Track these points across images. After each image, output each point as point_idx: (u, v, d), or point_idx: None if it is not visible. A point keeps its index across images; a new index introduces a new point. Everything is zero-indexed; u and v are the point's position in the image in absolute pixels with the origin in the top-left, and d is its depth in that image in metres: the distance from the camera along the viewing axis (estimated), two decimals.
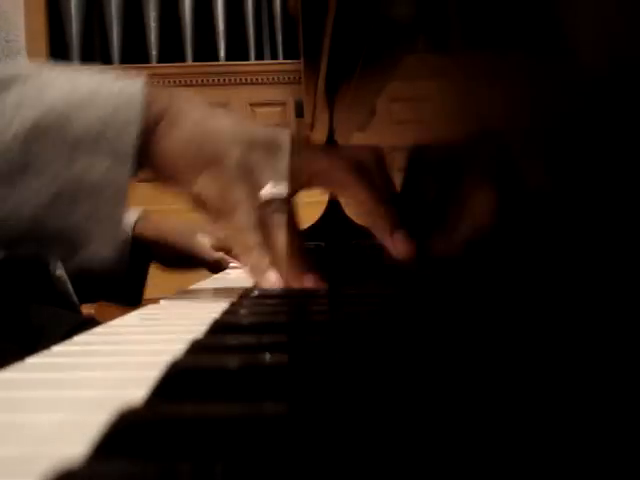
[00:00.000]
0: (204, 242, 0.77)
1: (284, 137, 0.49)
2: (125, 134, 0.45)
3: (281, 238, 0.48)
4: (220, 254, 0.77)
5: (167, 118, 0.48)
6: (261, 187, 0.48)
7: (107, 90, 0.45)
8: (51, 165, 0.44)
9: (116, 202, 0.45)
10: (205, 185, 0.47)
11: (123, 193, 0.45)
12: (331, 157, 0.50)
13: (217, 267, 0.80)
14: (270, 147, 0.49)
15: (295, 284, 0.48)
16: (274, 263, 0.48)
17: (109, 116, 0.45)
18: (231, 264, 0.89)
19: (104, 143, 0.44)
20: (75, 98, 0.44)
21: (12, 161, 0.43)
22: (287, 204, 0.49)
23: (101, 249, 0.45)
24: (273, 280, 0.48)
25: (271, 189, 0.48)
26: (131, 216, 0.78)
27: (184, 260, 0.79)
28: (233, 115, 0.51)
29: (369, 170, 0.49)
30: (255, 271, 0.48)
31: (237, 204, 0.47)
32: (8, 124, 0.43)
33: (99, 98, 0.45)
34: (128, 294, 0.77)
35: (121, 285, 0.77)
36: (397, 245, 0.46)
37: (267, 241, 0.48)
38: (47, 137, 0.44)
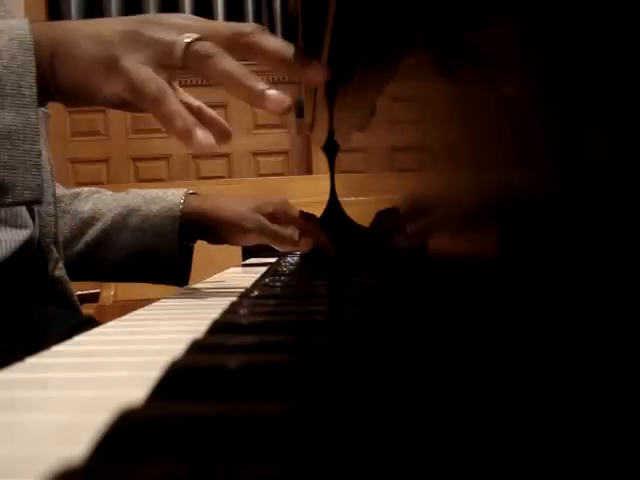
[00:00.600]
0: (254, 216, 0.76)
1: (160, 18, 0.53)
2: (23, 83, 0.48)
3: (228, 61, 0.50)
4: (264, 221, 0.75)
5: (59, 49, 0.50)
6: (168, 49, 0.50)
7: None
8: None
9: (30, 145, 0.48)
10: (113, 89, 0.50)
11: (33, 135, 0.48)
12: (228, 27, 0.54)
13: (266, 232, 0.76)
14: (157, 24, 0.52)
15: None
16: (230, 87, 0.50)
17: (6, 67, 0.48)
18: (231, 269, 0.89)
19: (7, 96, 0.48)
20: None
21: None
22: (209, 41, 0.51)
23: (26, 189, 0.48)
24: (201, 137, 0.48)
25: (185, 37, 0.50)
26: (177, 196, 0.79)
27: (231, 233, 0.78)
28: (114, 18, 0.55)
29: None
30: (184, 134, 0.49)
31: (143, 82, 0.49)
32: None
33: None
34: (176, 274, 0.76)
35: (170, 265, 0.76)
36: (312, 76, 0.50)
37: (216, 71, 0.50)
38: None
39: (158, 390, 0.20)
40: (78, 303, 0.74)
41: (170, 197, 0.78)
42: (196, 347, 0.25)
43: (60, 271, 0.70)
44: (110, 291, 2.27)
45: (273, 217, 0.76)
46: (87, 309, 1.31)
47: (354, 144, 0.80)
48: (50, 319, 0.66)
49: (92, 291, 2.24)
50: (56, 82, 0.51)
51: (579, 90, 0.18)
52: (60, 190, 0.81)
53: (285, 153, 3.35)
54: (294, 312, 0.37)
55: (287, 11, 3.23)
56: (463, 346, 0.25)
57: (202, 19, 0.55)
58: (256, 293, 0.49)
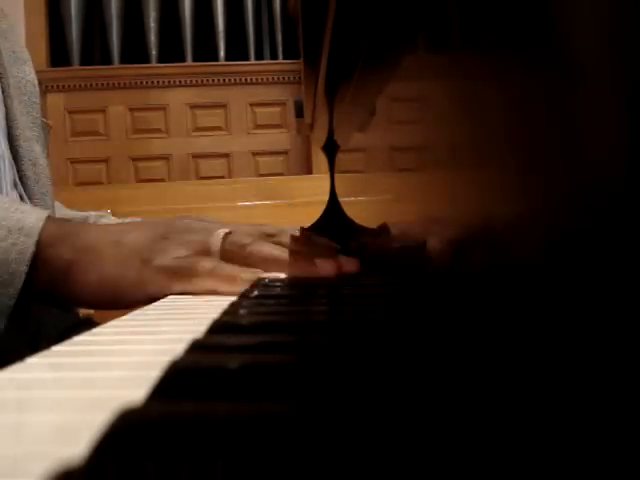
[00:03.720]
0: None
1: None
2: (7, 291, 0.47)
3: (267, 247, 0.50)
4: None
5: (79, 256, 0.49)
6: (204, 246, 0.49)
7: (2, 240, 0.47)
8: None
9: None
10: (149, 289, 0.48)
11: None
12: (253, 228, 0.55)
13: None
14: (185, 229, 0.51)
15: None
16: (277, 270, 0.50)
17: None
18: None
19: None
20: None
21: None
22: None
23: None
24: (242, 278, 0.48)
25: (220, 231, 0.50)
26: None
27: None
28: (134, 223, 0.53)
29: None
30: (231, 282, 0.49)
31: (191, 265, 0.48)
32: None
33: None
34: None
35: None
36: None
37: (258, 257, 0.50)
38: None
39: (158, 390, 0.20)
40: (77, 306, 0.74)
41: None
42: (196, 347, 0.25)
43: None
44: None
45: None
46: (87, 309, 1.31)
47: (354, 144, 0.80)
48: (49, 320, 0.66)
49: None
50: (73, 289, 0.49)
51: (580, 90, 0.18)
52: (69, 212, 0.82)
53: (285, 153, 3.35)
54: (294, 312, 0.37)
55: (287, 11, 3.23)
56: (463, 346, 0.25)
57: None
58: (256, 293, 0.49)
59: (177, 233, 0.50)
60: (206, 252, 0.49)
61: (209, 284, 0.47)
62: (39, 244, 0.47)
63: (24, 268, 0.46)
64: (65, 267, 0.48)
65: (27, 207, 0.49)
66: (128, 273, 0.48)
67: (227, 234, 0.50)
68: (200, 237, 0.49)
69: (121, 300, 0.49)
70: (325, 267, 0.49)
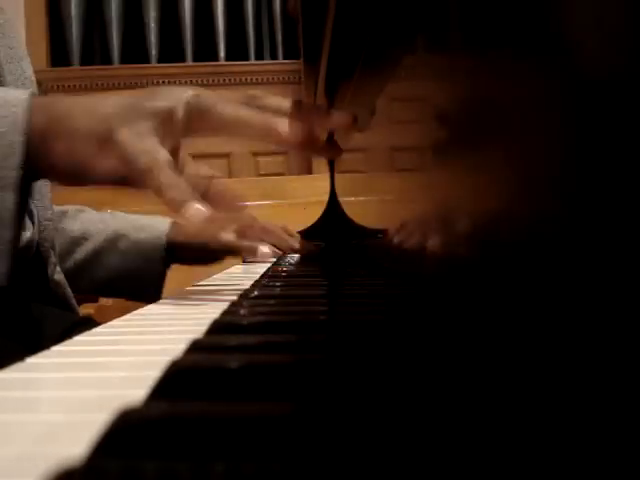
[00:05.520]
0: (226, 237, 0.85)
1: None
2: (7, 164, 0.46)
3: (233, 107, 0.49)
4: (228, 238, 0.84)
5: (53, 125, 0.48)
6: (169, 110, 0.48)
7: None
8: None
9: (2, 230, 0.46)
10: (111, 163, 0.48)
11: (8, 220, 0.46)
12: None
13: (229, 251, 0.86)
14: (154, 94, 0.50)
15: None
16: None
17: None
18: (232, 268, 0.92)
19: None
20: None
21: None
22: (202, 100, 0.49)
23: None
24: (193, 210, 0.47)
25: (182, 98, 0.48)
26: (163, 225, 0.86)
27: (204, 257, 0.87)
28: (112, 96, 0.53)
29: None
30: (174, 206, 0.47)
31: (137, 155, 0.47)
32: None
33: None
34: (151, 294, 0.82)
35: (152, 286, 0.85)
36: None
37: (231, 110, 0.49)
38: None
39: (158, 390, 0.20)
40: (76, 305, 0.74)
41: (156, 225, 0.86)
42: (196, 347, 0.25)
43: (59, 275, 0.70)
44: None
45: (240, 232, 0.85)
46: (87, 309, 1.31)
47: (354, 144, 0.80)
48: (49, 319, 0.66)
49: None
50: (49, 160, 0.48)
51: (581, 91, 0.18)
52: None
53: (285, 153, 3.35)
54: (294, 312, 0.37)
55: (287, 11, 3.23)
56: (464, 346, 0.25)
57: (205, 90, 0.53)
58: (256, 293, 0.49)
59: (148, 98, 0.49)
60: (169, 121, 0.48)
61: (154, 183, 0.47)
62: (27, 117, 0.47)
63: (21, 138, 0.46)
64: (42, 133, 0.48)
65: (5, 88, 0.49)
66: (92, 143, 0.47)
67: (195, 96, 0.49)
68: (168, 102, 0.49)
69: (88, 174, 0.49)
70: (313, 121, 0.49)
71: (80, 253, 0.84)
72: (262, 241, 0.85)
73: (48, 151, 0.48)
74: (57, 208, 0.85)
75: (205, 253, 0.86)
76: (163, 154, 0.47)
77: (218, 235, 0.83)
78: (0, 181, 0.46)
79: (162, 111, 0.48)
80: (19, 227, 0.47)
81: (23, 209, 0.48)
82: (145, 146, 0.47)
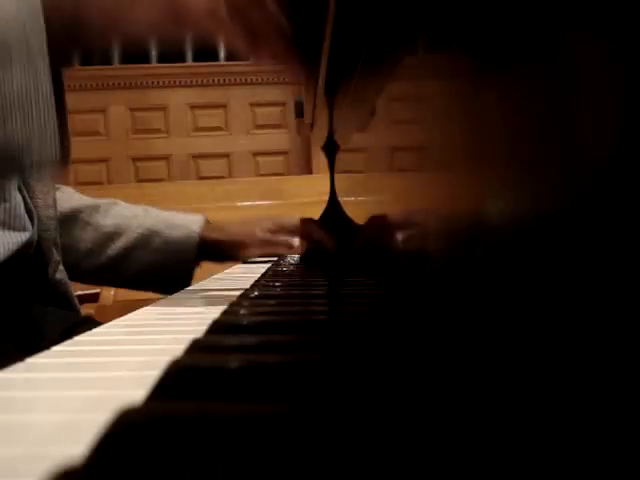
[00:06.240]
0: (263, 234, 0.89)
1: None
2: (32, 38, 0.44)
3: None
4: (265, 235, 0.89)
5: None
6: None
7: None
8: None
9: (46, 111, 0.44)
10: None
11: (50, 102, 0.44)
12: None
13: (265, 247, 0.90)
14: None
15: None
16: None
17: (7, 25, 0.43)
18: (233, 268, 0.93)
19: (11, 57, 0.43)
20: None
21: None
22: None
23: (40, 161, 0.45)
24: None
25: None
26: (196, 223, 0.88)
27: (235, 255, 0.90)
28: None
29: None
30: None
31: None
32: None
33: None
34: (179, 289, 0.84)
35: (183, 282, 0.86)
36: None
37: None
38: None
39: (158, 390, 0.20)
40: (78, 305, 0.74)
41: (189, 224, 0.89)
42: (196, 347, 0.25)
43: (61, 274, 0.70)
44: (110, 291, 2.27)
45: (273, 231, 0.89)
46: (87, 309, 1.31)
47: (354, 144, 0.80)
48: (49, 319, 0.66)
49: (92, 291, 2.23)
50: (83, 25, 0.46)
51: (582, 91, 0.18)
52: (79, 201, 0.84)
53: (285, 153, 3.35)
54: (294, 312, 0.37)
55: None
56: (463, 346, 0.25)
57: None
58: (256, 293, 0.49)
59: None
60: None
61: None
62: None
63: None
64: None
65: None
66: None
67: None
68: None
69: (123, 25, 0.47)
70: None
71: (113, 249, 0.85)
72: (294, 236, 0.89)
73: (79, 15, 0.46)
74: (89, 201, 0.86)
75: (237, 251, 0.88)
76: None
77: (254, 232, 0.86)
78: (30, 58, 0.44)
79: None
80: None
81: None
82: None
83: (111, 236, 0.85)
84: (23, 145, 0.44)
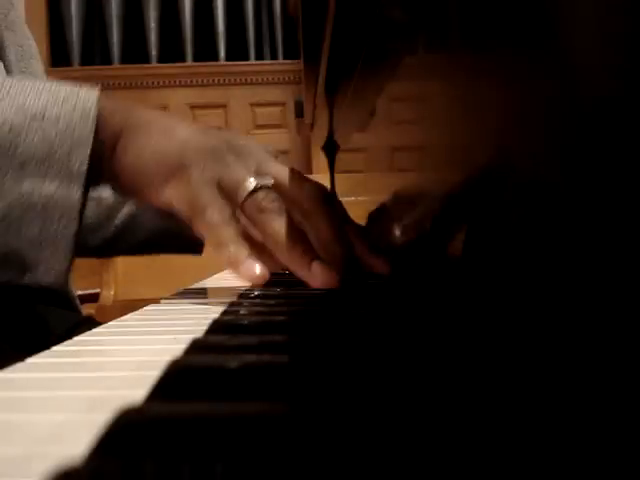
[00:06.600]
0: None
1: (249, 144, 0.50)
2: (75, 155, 0.44)
3: (278, 224, 0.48)
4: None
5: (126, 133, 0.47)
6: (235, 185, 0.48)
7: (60, 106, 0.45)
8: None
9: (65, 223, 0.44)
10: (172, 194, 0.47)
11: (73, 214, 0.44)
12: (302, 184, 0.50)
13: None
14: (237, 153, 0.49)
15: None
16: (272, 251, 0.48)
17: (60, 134, 0.44)
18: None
19: (53, 164, 0.44)
20: (28, 113, 0.44)
21: None
22: (275, 191, 0.49)
23: (48, 272, 0.44)
24: (252, 270, 0.46)
25: (254, 181, 0.48)
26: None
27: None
28: (191, 124, 0.51)
29: (333, 202, 0.50)
30: (232, 264, 0.47)
31: (206, 205, 0.47)
32: None
33: (51, 114, 0.44)
34: (194, 247, 0.80)
35: (188, 239, 0.80)
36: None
37: (264, 229, 0.48)
38: None
39: (158, 390, 0.20)
40: (79, 305, 0.74)
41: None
42: (196, 347, 0.25)
43: None
44: (110, 291, 2.27)
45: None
46: (87, 309, 1.31)
47: (354, 144, 0.80)
48: (50, 319, 0.66)
49: (92, 291, 2.23)
50: (114, 167, 0.47)
51: (582, 91, 0.18)
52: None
53: (285, 153, 3.35)
54: (294, 312, 0.37)
55: (287, 11, 3.23)
56: (462, 346, 0.25)
57: (278, 163, 0.51)
58: (256, 293, 0.49)
59: (230, 152, 0.48)
60: (233, 193, 0.47)
61: (211, 238, 0.47)
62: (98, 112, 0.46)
63: (89, 130, 0.45)
64: (114, 138, 0.47)
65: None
66: (162, 166, 0.47)
67: (260, 188, 0.48)
68: (241, 173, 0.48)
69: (146, 191, 0.48)
70: (317, 278, 0.47)
71: (119, 219, 0.81)
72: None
73: (114, 156, 0.47)
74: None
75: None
76: (228, 210, 0.47)
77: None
78: (68, 172, 0.44)
79: (233, 178, 0.48)
80: (81, 222, 0.45)
81: (84, 205, 0.46)
82: (213, 199, 0.47)
83: (115, 206, 0.82)
84: (32, 258, 0.44)
